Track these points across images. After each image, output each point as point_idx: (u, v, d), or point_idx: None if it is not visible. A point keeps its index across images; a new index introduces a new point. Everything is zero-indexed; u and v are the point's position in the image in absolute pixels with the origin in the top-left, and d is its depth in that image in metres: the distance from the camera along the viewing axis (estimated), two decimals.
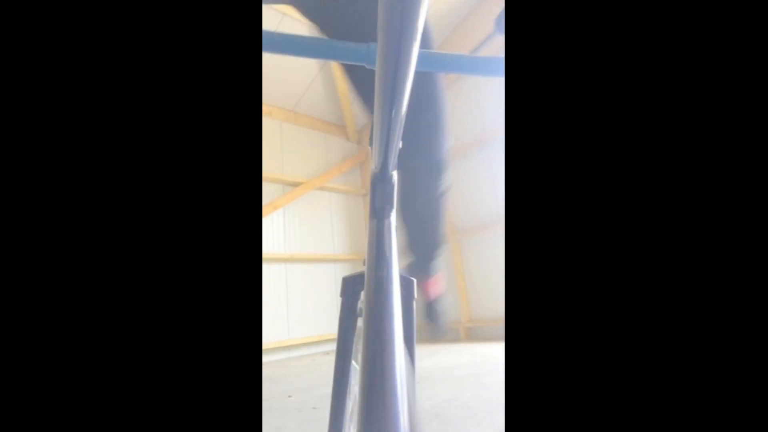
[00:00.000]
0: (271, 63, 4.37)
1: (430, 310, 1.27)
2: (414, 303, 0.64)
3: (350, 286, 0.61)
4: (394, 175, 0.54)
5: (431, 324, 1.27)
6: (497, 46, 4.13)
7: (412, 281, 0.64)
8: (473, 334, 4.33)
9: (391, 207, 0.50)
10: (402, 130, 0.43)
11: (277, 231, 4.68)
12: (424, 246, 1.22)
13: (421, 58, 0.58)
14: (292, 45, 0.48)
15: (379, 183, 0.51)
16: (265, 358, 4.21)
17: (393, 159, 0.49)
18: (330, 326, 4.78)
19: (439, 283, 1.30)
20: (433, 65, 0.61)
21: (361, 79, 0.95)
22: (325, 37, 0.60)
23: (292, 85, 4.96)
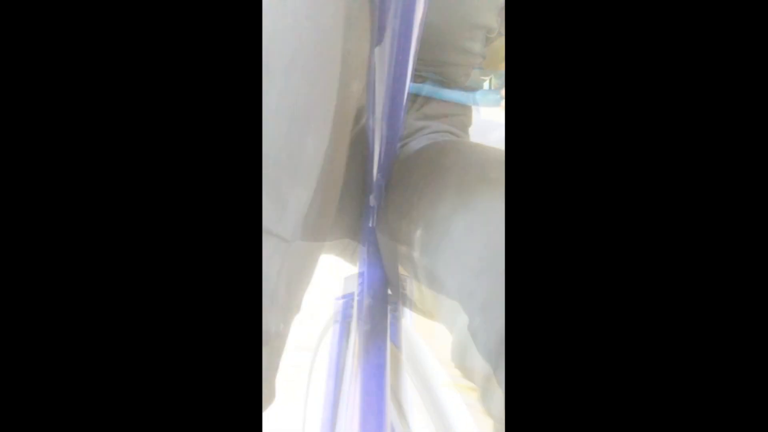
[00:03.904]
0: None
1: None
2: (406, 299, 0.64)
3: (351, 286, 0.62)
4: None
5: None
6: None
7: (406, 277, 0.64)
8: None
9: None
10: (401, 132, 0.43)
11: None
12: None
13: None
14: None
15: (378, 183, 0.51)
16: None
17: (392, 159, 0.49)
18: None
19: None
20: None
21: None
22: None
23: None
